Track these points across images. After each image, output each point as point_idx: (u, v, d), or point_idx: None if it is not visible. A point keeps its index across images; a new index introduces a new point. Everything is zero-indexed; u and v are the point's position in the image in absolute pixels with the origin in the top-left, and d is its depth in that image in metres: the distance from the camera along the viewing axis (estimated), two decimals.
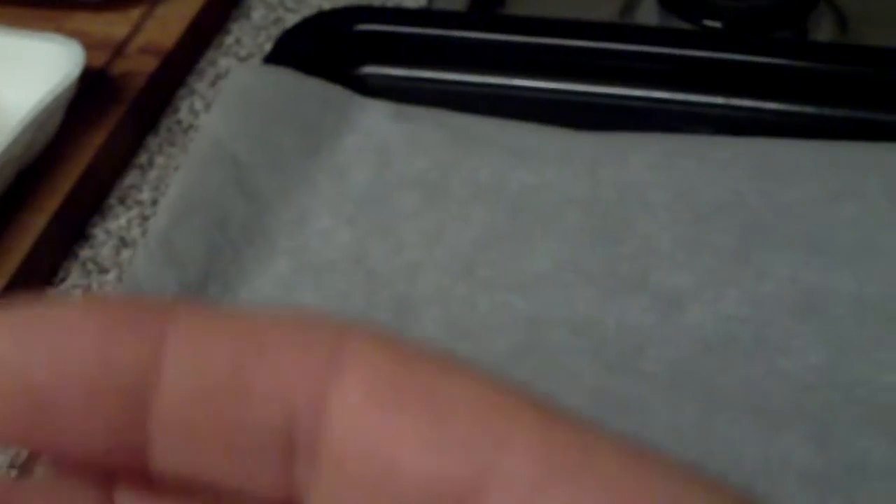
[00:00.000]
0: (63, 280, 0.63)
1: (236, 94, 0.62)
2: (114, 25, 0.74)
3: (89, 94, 0.69)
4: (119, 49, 0.72)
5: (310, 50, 0.67)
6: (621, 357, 0.52)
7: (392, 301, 0.56)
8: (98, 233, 0.65)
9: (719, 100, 0.64)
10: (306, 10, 0.76)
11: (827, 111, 0.63)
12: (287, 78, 0.63)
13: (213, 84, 0.73)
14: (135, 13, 0.74)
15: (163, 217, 0.57)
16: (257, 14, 0.77)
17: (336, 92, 0.64)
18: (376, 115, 0.63)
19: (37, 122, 0.63)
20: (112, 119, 0.68)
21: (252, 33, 0.76)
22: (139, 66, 0.71)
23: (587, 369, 0.52)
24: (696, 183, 0.58)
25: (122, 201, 0.67)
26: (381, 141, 0.62)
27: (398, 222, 0.59)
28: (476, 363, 0.52)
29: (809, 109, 0.63)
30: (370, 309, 0.55)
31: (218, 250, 0.57)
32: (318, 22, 0.68)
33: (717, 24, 0.69)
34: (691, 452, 0.49)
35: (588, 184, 0.59)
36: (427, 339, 0.54)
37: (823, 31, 0.70)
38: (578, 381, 0.51)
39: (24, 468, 0.51)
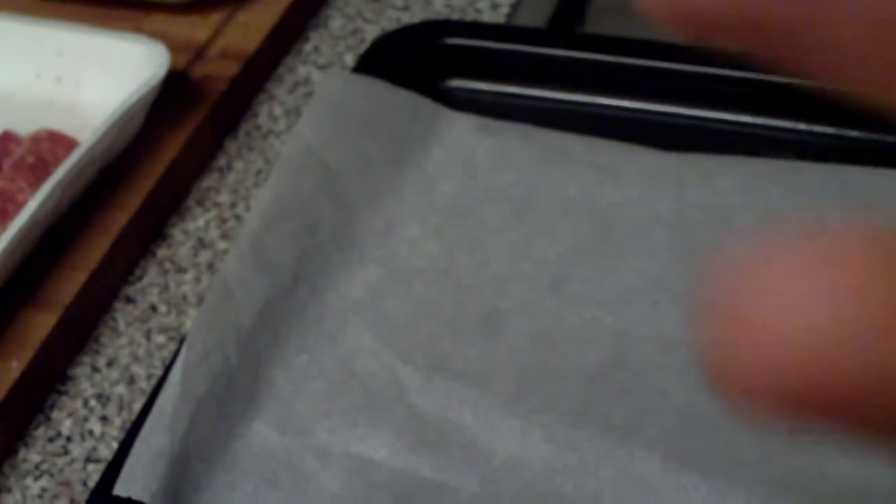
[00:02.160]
0: (140, 278, 0.64)
1: (327, 102, 0.63)
2: (195, 28, 0.74)
3: (170, 95, 0.69)
4: (200, 52, 0.73)
5: (396, 61, 0.67)
6: None
7: (479, 313, 0.56)
8: (176, 233, 0.66)
9: (802, 125, 0.64)
10: (385, 22, 0.76)
11: None
12: (377, 88, 0.64)
13: (291, 90, 0.74)
14: (215, 17, 0.75)
15: (254, 221, 0.58)
16: (336, 23, 0.78)
17: (424, 104, 0.64)
18: (463, 128, 0.63)
19: (121, 122, 0.64)
20: (192, 121, 0.69)
21: (330, 42, 0.76)
22: (220, 69, 0.72)
23: (675, 387, 0.52)
24: (781, 207, 0.58)
25: (200, 203, 0.67)
26: (468, 154, 0.62)
27: (485, 235, 0.59)
28: (564, 377, 0.52)
29: (892, 138, 0.63)
30: (457, 319, 0.56)
31: (308, 255, 0.57)
32: (405, 34, 0.69)
33: None
34: (778, 470, 0.49)
35: (675, 204, 0.59)
36: (514, 351, 0.54)
37: None
38: (667, 398, 0.52)
39: (113, 464, 0.51)
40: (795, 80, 0.64)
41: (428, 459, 0.50)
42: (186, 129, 0.68)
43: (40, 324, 0.59)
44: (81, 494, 0.55)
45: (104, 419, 0.58)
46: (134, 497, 0.49)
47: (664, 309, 0.55)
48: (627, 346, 0.54)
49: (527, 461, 0.50)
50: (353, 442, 0.51)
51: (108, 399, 0.58)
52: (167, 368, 0.53)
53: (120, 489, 0.49)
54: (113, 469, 0.50)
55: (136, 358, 0.60)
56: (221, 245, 0.65)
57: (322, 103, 0.63)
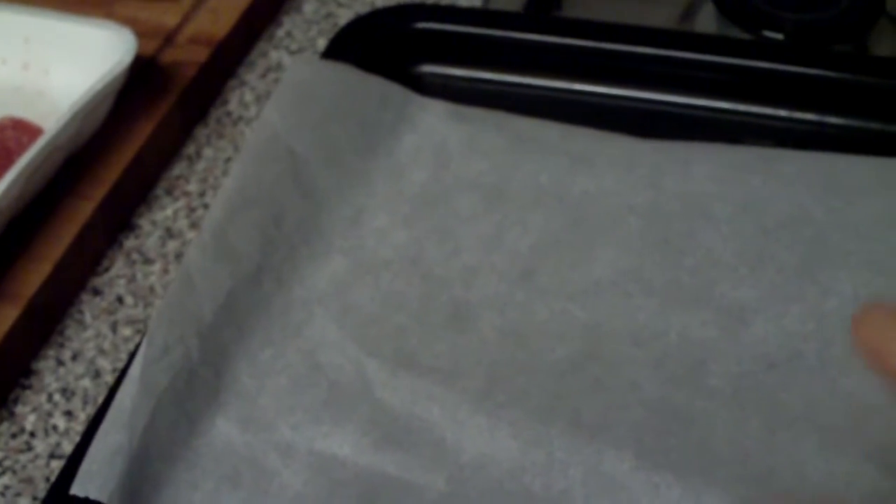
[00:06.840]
0: (107, 269, 0.63)
1: (295, 87, 0.61)
2: (164, 14, 0.73)
3: (139, 82, 0.68)
4: (169, 38, 0.72)
5: (367, 46, 0.66)
6: (683, 370, 0.51)
7: (449, 304, 0.55)
8: (144, 223, 0.65)
9: (782, 112, 0.63)
10: (359, 6, 0.75)
11: (891, 127, 0.62)
12: (346, 74, 0.63)
13: (263, 76, 0.72)
14: (186, 2, 0.74)
15: (218, 210, 0.56)
16: (309, 7, 0.76)
17: (395, 90, 0.63)
18: (434, 115, 0.62)
19: (86, 109, 0.62)
20: (161, 108, 0.67)
21: (303, 27, 0.75)
22: (189, 55, 0.70)
23: (648, 381, 0.51)
24: (760, 197, 0.57)
25: (168, 192, 0.66)
26: (440, 141, 0.61)
27: (455, 224, 0.58)
28: (533, 371, 0.51)
29: (873, 125, 0.62)
30: (425, 312, 0.54)
31: (272, 246, 0.56)
32: (377, 19, 0.67)
33: (778, 36, 0.68)
34: (754, 469, 0.48)
35: (650, 193, 0.58)
36: (483, 345, 0.53)
37: (884, 45, 0.69)
38: (639, 393, 0.51)
39: (71, 462, 0.50)
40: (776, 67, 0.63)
41: (393, 457, 0.49)
42: (155, 117, 0.67)
43: (3, 316, 0.58)
44: (44, 492, 0.54)
45: (69, 414, 0.57)
46: (91, 496, 0.47)
47: (637, 301, 0.54)
48: (599, 340, 0.53)
49: (494, 459, 0.49)
50: (317, 439, 0.50)
51: (73, 393, 0.57)
52: (129, 362, 0.52)
53: (77, 489, 0.48)
54: (71, 467, 0.49)
55: (101, 351, 0.59)
56: (190, 235, 0.63)
57: (289, 89, 0.61)
